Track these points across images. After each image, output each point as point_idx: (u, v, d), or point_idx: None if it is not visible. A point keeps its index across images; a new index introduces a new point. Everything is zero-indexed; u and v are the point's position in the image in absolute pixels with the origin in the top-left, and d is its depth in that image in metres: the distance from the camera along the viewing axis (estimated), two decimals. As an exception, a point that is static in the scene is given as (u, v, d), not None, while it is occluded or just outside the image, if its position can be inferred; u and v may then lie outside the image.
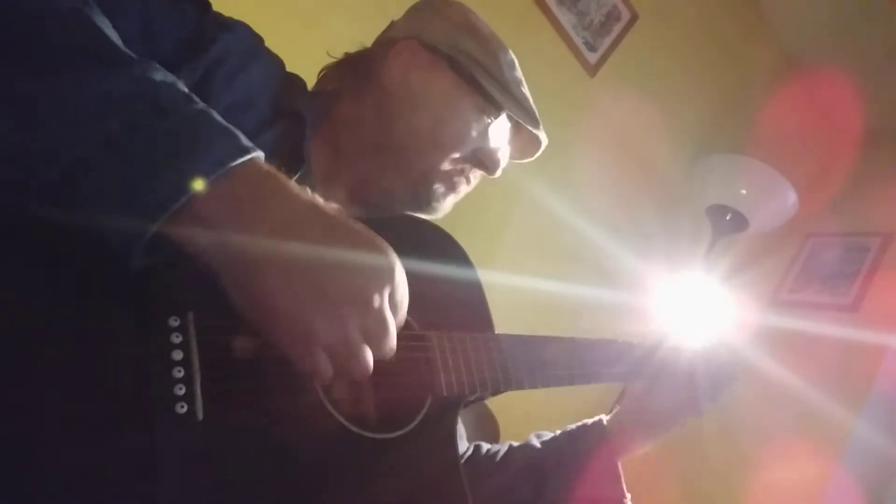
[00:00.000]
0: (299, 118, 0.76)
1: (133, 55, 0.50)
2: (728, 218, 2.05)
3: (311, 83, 0.90)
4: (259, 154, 0.50)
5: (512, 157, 0.93)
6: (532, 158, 0.95)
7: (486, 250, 1.67)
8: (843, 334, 1.87)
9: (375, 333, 0.53)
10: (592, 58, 1.96)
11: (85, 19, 0.49)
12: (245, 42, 0.73)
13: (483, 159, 0.86)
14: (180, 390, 0.48)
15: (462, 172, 0.86)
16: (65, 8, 0.49)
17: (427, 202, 0.85)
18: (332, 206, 0.53)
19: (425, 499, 0.65)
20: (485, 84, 0.83)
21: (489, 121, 0.85)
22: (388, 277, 0.53)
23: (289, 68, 0.84)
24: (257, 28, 0.78)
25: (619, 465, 0.92)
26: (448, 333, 0.70)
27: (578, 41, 1.92)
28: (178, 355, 0.49)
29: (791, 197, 2.04)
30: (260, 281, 0.48)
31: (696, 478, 1.86)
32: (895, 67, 2.13)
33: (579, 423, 0.96)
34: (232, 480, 0.49)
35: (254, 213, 0.48)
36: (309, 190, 0.76)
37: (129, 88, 0.47)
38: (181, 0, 0.67)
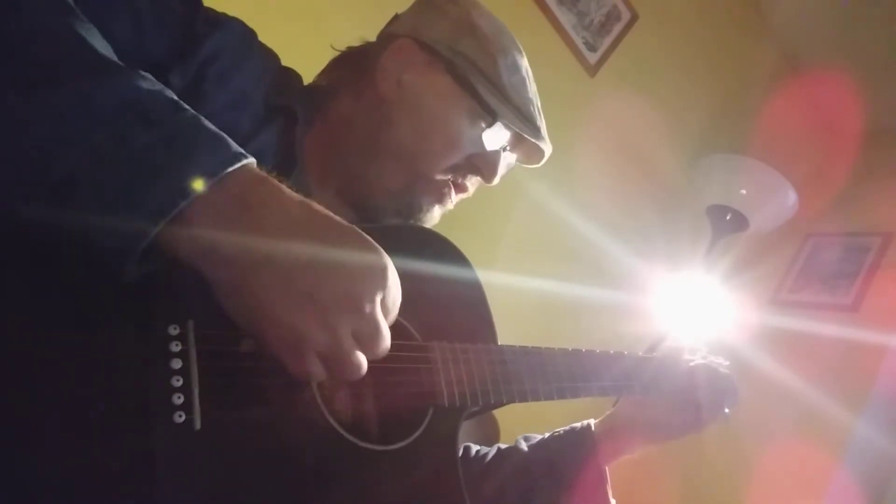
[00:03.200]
0: (293, 115, 0.75)
1: (119, 63, 0.49)
2: (728, 218, 2.05)
3: (310, 80, 0.89)
4: (250, 160, 0.50)
5: (518, 160, 0.91)
6: (537, 165, 0.92)
7: (486, 250, 1.67)
8: (843, 334, 1.87)
9: (367, 336, 0.52)
10: (592, 58, 1.96)
11: (67, 30, 0.48)
12: (237, 38, 0.72)
13: (479, 166, 0.83)
14: (178, 399, 0.48)
15: (456, 180, 0.84)
16: (47, 19, 0.48)
17: (410, 212, 0.82)
18: (325, 211, 0.52)
19: None
20: (480, 90, 0.80)
21: (485, 127, 0.81)
22: (380, 280, 0.52)
23: (289, 65, 0.84)
24: (256, 25, 0.77)
25: (607, 471, 0.92)
26: (450, 344, 0.70)
27: (578, 41, 1.92)
28: (176, 364, 0.49)
29: (791, 197, 2.04)
30: (251, 287, 0.48)
31: (696, 478, 1.86)
32: (895, 67, 2.13)
33: (567, 428, 0.96)
34: (230, 491, 0.49)
35: (245, 221, 0.48)
36: (303, 193, 0.77)
37: (113, 100, 0.46)
38: None
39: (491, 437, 1.50)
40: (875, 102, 2.21)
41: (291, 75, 0.83)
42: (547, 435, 0.96)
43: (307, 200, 0.52)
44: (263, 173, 0.51)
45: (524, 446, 0.94)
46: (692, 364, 0.95)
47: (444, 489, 0.66)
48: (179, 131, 0.47)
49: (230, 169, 0.47)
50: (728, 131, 2.24)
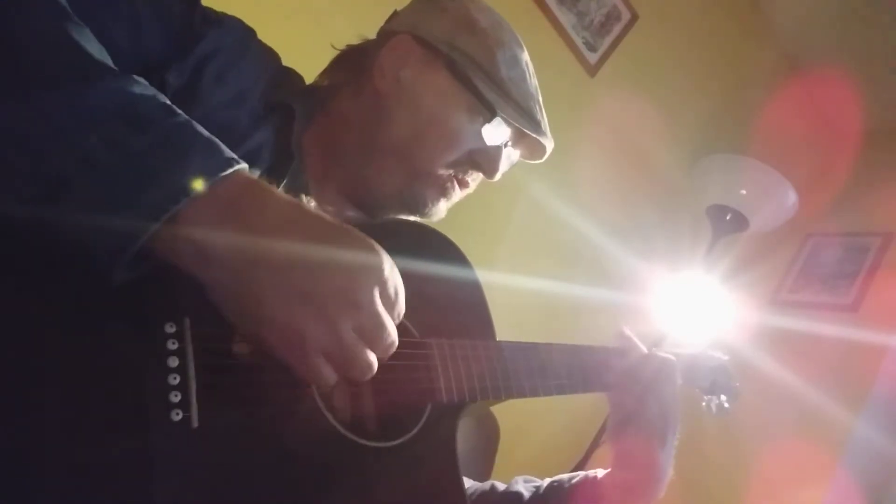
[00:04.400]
0: (291, 112, 0.75)
1: (113, 68, 0.49)
2: (728, 218, 2.05)
3: (311, 80, 0.89)
4: (241, 166, 0.50)
5: (522, 156, 0.90)
6: (540, 160, 0.92)
7: (486, 250, 1.67)
8: (843, 334, 1.87)
9: (370, 331, 0.52)
10: (592, 58, 1.96)
11: (63, 34, 0.48)
12: (235, 37, 0.72)
13: (480, 161, 0.83)
14: (176, 397, 0.48)
15: (457, 175, 0.83)
16: (43, 23, 0.48)
17: (415, 207, 0.82)
18: (317, 211, 0.52)
19: None
20: (479, 85, 0.80)
21: (484, 122, 0.81)
22: (377, 274, 0.52)
23: (292, 66, 0.84)
24: (256, 24, 0.77)
25: None
26: (448, 340, 0.70)
27: (578, 41, 1.92)
28: (173, 362, 0.49)
29: (791, 197, 2.03)
30: (247, 289, 0.48)
31: (696, 478, 1.86)
32: (895, 67, 2.13)
33: (571, 476, 0.89)
34: (228, 489, 0.49)
35: (239, 223, 0.48)
36: (301, 190, 0.77)
37: (106, 104, 0.46)
38: None
39: (491, 437, 1.50)
40: (875, 102, 2.21)
41: (292, 75, 0.83)
42: (546, 483, 0.90)
43: (299, 202, 0.52)
44: (255, 178, 0.51)
45: (524, 490, 0.89)
46: (686, 353, 0.95)
47: (443, 484, 0.66)
48: (172, 136, 0.47)
49: (223, 173, 0.47)
50: (728, 131, 2.24)
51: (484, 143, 0.82)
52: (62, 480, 0.43)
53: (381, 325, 0.52)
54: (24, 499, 0.42)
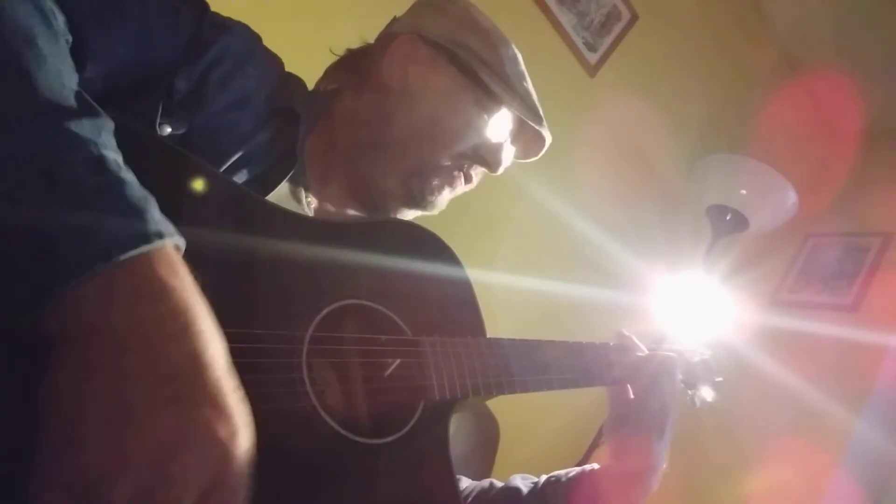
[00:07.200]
0: (295, 117, 0.75)
1: (57, 105, 0.43)
2: (728, 218, 2.05)
3: (312, 81, 0.90)
4: (165, 241, 0.43)
5: (516, 156, 0.92)
6: (536, 157, 0.94)
7: (486, 250, 1.67)
8: (843, 334, 1.87)
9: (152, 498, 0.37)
10: (592, 58, 1.96)
11: (14, 65, 0.43)
12: (242, 43, 0.73)
13: (484, 155, 0.84)
14: None
15: (462, 169, 0.85)
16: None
17: (422, 196, 0.82)
18: (217, 350, 0.43)
19: (419, 502, 0.65)
20: (485, 78, 0.82)
21: (489, 116, 0.83)
22: (221, 462, 0.40)
23: (293, 70, 0.84)
24: (259, 26, 0.78)
25: None
26: (440, 338, 0.70)
27: (578, 41, 1.93)
28: None
29: (791, 197, 2.04)
30: (89, 369, 0.38)
31: (696, 478, 1.86)
32: (895, 68, 2.13)
33: (567, 471, 0.89)
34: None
35: (119, 315, 0.40)
36: (301, 190, 0.77)
37: (21, 153, 0.40)
38: (178, 3, 0.67)
39: (491, 437, 1.50)
40: (875, 103, 2.21)
41: (295, 80, 0.84)
42: (543, 479, 0.90)
43: (202, 324, 0.42)
44: (176, 260, 0.43)
45: (522, 486, 0.89)
46: (683, 349, 0.95)
47: (436, 479, 0.66)
48: (86, 198, 0.41)
49: (132, 252, 0.40)
50: (728, 131, 2.24)
51: (488, 137, 0.84)
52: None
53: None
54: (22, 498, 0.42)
